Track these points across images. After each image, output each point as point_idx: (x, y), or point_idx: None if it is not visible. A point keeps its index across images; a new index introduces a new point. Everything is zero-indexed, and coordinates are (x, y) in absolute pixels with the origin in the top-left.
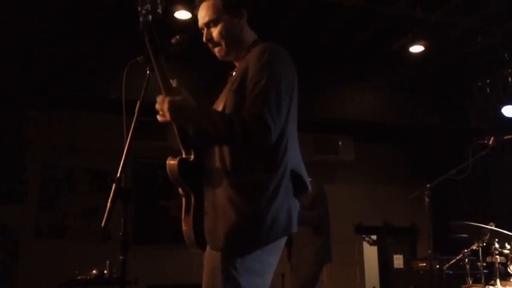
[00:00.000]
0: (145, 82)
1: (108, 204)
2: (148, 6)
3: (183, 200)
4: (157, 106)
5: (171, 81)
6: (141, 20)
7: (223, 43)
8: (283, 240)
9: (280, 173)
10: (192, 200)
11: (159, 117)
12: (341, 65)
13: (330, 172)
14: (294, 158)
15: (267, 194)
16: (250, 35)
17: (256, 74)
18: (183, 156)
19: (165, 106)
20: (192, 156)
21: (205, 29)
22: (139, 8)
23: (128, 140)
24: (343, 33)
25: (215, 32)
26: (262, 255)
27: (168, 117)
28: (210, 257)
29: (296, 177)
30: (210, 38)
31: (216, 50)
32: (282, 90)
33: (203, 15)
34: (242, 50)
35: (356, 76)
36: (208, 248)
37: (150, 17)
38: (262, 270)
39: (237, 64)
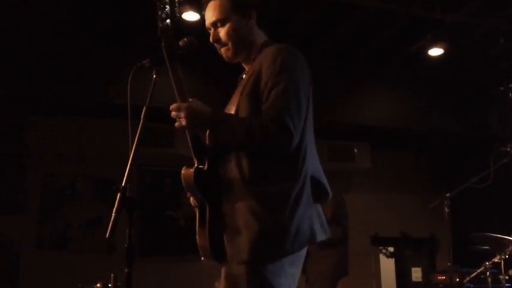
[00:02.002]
0: (151, 86)
1: (113, 214)
2: (168, 10)
3: (197, 211)
4: (173, 114)
5: (189, 99)
6: (160, 25)
7: (230, 44)
8: (305, 250)
9: (301, 181)
10: (207, 211)
11: (176, 124)
12: (357, 68)
13: (345, 181)
14: (313, 164)
15: (290, 204)
16: (260, 36)
17: (273, 77)
18: (197, 165)
19: (182, 113)
20: (206, 166)
21: (213, 29)
22: (159, 12)
23: (134, 146)
24: (359, 35)
25: (222, 32)
26: (286, 267)
27: (184, 123)
28: (230, 270)
29: (316, 184)
30: (217, 39)
31: (223, 50)
32: (301, 94)
33: (210, 14)
34: (251, 51)
35: (372, 80)
36: (228, 260)
37: (168, 21)
38: (286, 282)
39: (246, 66)
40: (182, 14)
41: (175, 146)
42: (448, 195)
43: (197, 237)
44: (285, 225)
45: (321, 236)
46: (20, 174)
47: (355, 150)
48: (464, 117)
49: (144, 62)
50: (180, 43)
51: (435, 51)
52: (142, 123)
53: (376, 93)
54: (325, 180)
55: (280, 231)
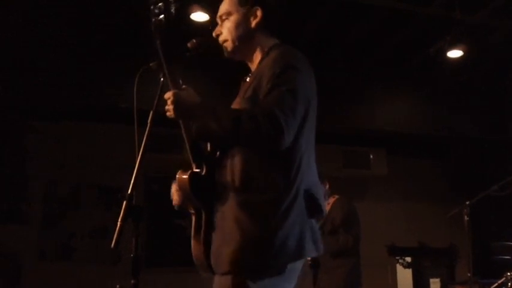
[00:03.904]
0: (158, 90)
1: (118, 223)
2: (161, 5)
3: (193, 218)
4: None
5: (183, 86)
6: (152, 20)
7: (229, 38)
8: (299, 263)
9: (293, 193)
10: (203, 219)
11: (167, 114)
12: (372, 71)
13: (360, 188)
14: (309, 177)
15: (277, 216)
16: (268, 39)
17: (272, 79)
18: (193, 170)
19: (170, 99)
20: (204, 170)
21: (219, 22)
22: (151, 7)
23: (140, 153)
24: (374, 36)
25: (225, 26)
26: (272, 281)
27: (172, 111)
28: (217, 281)
29: (310, 199)
30: (220, 33)
31: (224, 46)
32: (298, 96)
33: (220, 8)
34: (255, 52)
35: (389, 83)
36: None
37: (162, 17)
38: None
39: (252, 68)
40: (190, 13)
41: (183, 152)
42: (467, 203)
43: (192, 246)
44: (268, 237)
45: (311, 253)
46: (21, 182)
47: (371, 157)
48: (484, 121)
49: (150, 64)
50: (189, 45)
51: (454, 53)
52: (149, 129)
53: (393, 97)
54: (321, 196)
55: (263, 244)
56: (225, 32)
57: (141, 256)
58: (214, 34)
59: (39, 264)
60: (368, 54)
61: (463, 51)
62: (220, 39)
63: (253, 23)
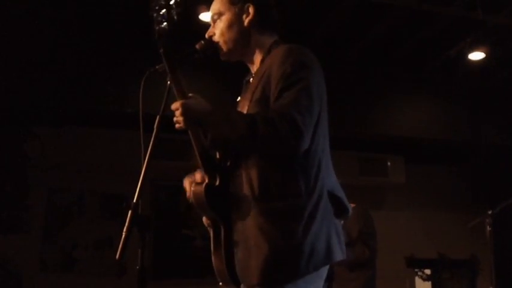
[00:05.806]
0: (165, 93)
1: (123, 233)
2: (165, 11)
3: (211, 231)
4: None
5: (189, 95)
6: (156, 28)
7: (222, 40)
8: (325, 268)
9: (316, 197)
10: (222, 231)
11: (176, 126)
12: (390, 73)
13: (377, 197)
14: (329, 178)
15: (303, 222)
16: (265, 36)
17: (283, 79)
18: (208, 181)
19: (179, 111)
20: (218, 181)
21: (212, 23)
22: (154, 15)
23: (146, 159)
24: (392, 37)
25: (217, 27)
26: (301, 285)
27: (182, 121)
28: None
29: (334, 200)
30: (212, 34)
31: (218, 47)
32: (313, 95)
33: (211, 7)
34: (253, 52)
35: (407, 87)
36: (242, 285)
37: (165, 24)
38: None
39: (252, 68)
40: (199, 13)
41: (191, 159)
42: (490, 212)
43: (213, 259)
44: (297, 244)
45: (338, 256)
46: (22, 190)
47: (388, 164)
48: (507, 127)
49: (157, 67)
50: (197, 46)
51: (476, 55)
52: (155, 134)
53: (412, 101)
54: (343, 195)
55: (293, 252)
56: (218, 33)
57: (147, 268)
58: (207, 35)
59: (40, 276)
60: (386, 56)
61: (485, 53)
62: (215, 40)
63: (246, 21)
